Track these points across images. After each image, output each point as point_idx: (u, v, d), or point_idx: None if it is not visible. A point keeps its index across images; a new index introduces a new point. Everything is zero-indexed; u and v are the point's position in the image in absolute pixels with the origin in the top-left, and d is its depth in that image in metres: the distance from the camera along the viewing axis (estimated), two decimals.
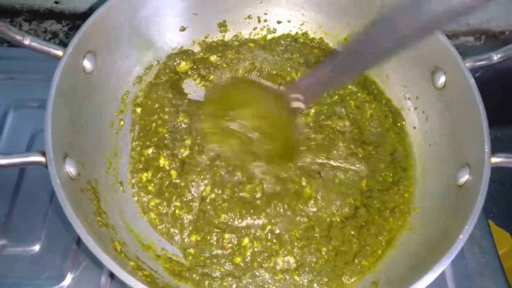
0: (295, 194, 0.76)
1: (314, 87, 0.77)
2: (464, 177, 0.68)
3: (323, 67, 0.74)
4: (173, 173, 0.76)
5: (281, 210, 0.74)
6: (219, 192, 0.74)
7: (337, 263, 0.71)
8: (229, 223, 0.73)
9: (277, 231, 0.72)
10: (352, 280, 0.70)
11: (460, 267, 0.80)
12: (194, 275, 0.68)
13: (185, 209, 0.74)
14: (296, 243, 0.72)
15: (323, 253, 0.71)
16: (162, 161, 0.77)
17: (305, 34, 0.93)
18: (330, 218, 0.74)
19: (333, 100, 0.86)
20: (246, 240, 0.72)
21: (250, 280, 0.69)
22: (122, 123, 0.81)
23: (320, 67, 0.76)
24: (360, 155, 0.80)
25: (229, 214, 0.73)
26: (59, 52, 0.66)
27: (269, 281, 0.69)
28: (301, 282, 0.70)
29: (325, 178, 0.77)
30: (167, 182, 0.75)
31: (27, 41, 0.65)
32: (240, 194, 0.75)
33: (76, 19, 1.09)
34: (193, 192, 0.75)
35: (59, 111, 0.64)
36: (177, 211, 0.74)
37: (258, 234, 0.72)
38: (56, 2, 1.06)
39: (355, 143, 0.81)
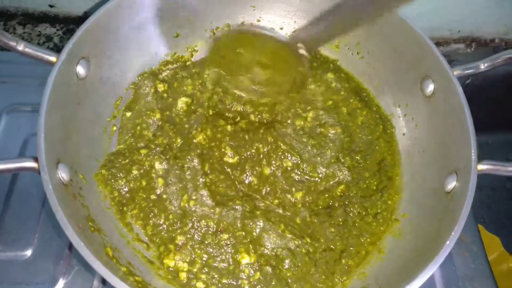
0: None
1: (315, 36, 0.80)
2: (452, 184, 0.69)
3: (321, 18, 0.78)
4: (160, 181, 0.77)
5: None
6: (196, 197, 0.75)
7: (328, 260, 0.73)
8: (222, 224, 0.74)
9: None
10: (343, 279, 0.72)
11: (450, 272, 0.81)
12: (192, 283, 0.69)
13: (177, 231, 0.73)
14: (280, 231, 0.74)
15: (315, 245, 0.74)
16: (157, 165, 0.77)
17: None
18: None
19: (327, 105, 0.87)
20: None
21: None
22: (114, 128, 0.81)
23: (318, 18, 0.79)
24: (346, 164, 0.81)
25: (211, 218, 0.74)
26: (53, 58, 0.66)
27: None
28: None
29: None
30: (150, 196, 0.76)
31: (20, 47, 0.65)
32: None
33: (70, 23, 1.09)
34: (174, 205, 0.75)
35: (52, 116, 0.64)
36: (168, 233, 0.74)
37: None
38: (51, 6, 1.06)
39: (343, 152, 0.83)
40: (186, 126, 0.83)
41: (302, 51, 0.81)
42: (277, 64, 0.81)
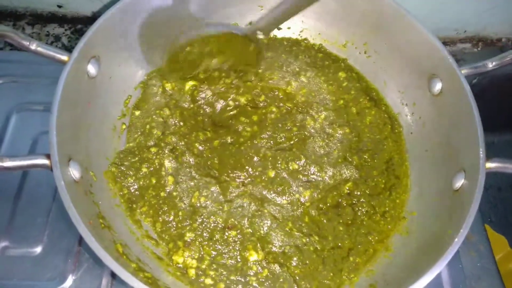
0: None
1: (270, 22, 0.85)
2: (460, 182, 0.69)
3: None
4: (170, 179, 0.77)
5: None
6: (207, 194, 0.76)
7: (336, 258, 0.73)
8: (229, 222, 0.74)
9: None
10: (350, 277, 0.72)
11: (457, 271, 0.81)
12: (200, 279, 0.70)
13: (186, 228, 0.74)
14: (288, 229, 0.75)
15: (323, 243, 0.74)
16: (167, 163, 0.78)
17: (305, 40, 0.95)
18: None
19: (338, 105, 0.88)
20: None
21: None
22: (124, 126, 0.82)
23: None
24: (354, 163, 0.82)
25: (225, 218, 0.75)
26: (65, 57, 0.67)
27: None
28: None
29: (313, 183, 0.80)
30: (159, 193, 0.76)
31: (33, 46, 0.66)
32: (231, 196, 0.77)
33: (78, 23, 1.10)
34: (185, 202, 0.75)
35: (63, 115, 0.65)
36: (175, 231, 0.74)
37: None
38: (59, 6, 1.07)
39: (351, 151, 0.83)
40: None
41: (260, 36, 0.84)
42: (231, 49, 0.84)
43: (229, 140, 0.82)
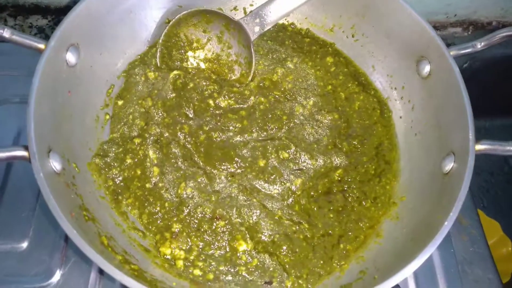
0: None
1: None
2: (450, 165, 0.69)
3: None
4: (156, 170, 0.75)
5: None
6: (193, 184, 0.74)
7: (326, 245, 0.72)
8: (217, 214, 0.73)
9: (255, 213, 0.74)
10: (341, 264, 0.71)
11: (449, 256, 0.81)
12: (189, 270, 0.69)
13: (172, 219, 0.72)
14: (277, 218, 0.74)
15: (313, 231, 0.73)
16: (151, 154, 0.76)
17: (292, 24, 0.94)
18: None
19: (327, 90, 0.87)
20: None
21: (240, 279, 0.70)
22: (107, 116, 0.80)
23: None
24: (344, 149, 0.81)
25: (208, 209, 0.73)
26: (41, 45, 0.65)
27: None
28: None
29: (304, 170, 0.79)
30: (145, 185, 0.74)
31: (7, 34, 0.64)
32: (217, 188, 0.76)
33: (62, 13, 1.08)
34: (171, 193, 0.74)
35: (42, 105, 0.63)
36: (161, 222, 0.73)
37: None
38: None
39: (340, 138, 0.82)
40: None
41: (257, 29, 0.84)
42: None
43: (216, 136, 0.80)
